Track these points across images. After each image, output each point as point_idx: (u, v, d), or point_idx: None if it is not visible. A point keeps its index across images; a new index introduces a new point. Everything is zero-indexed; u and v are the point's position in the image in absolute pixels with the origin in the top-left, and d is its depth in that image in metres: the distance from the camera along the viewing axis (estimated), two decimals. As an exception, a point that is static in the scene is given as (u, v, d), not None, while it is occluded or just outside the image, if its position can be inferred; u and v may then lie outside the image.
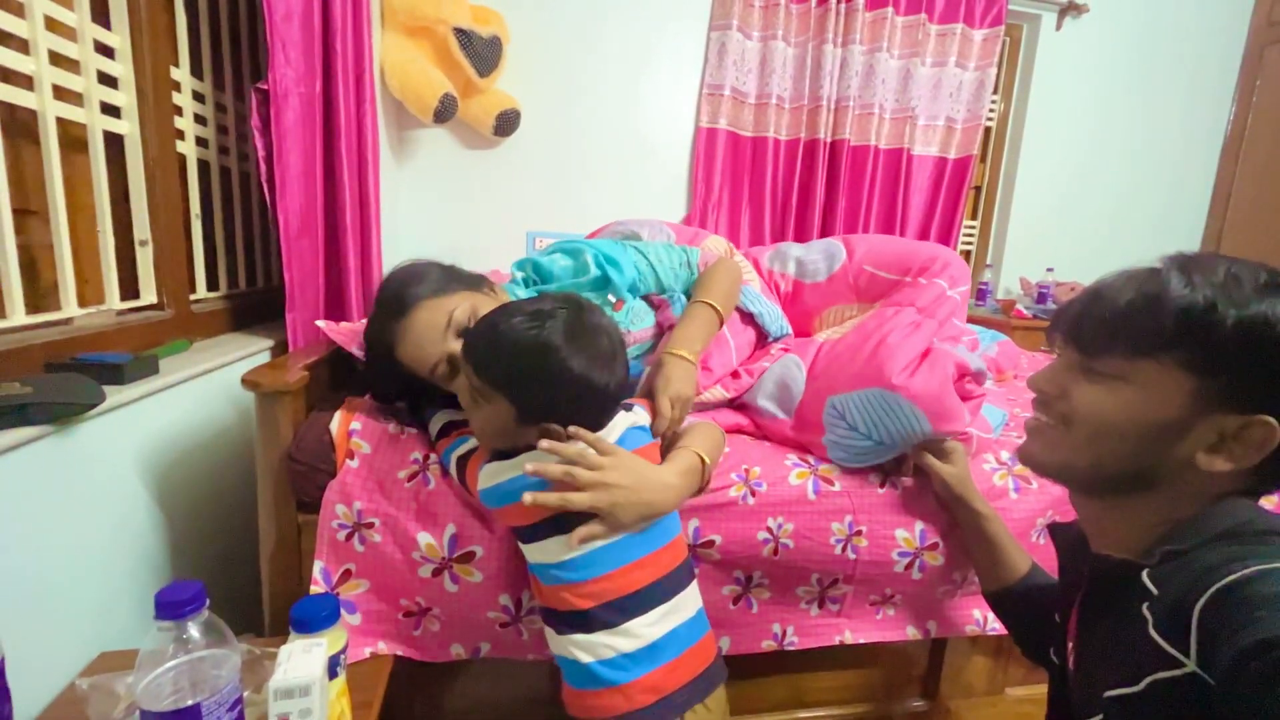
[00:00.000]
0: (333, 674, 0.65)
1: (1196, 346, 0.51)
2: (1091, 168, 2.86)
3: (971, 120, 2.62)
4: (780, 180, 2.54)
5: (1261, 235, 2.81)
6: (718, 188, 2.49)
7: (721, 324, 1.04)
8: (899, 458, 0.99)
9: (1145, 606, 0.51)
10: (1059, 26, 2.71)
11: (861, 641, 1.05)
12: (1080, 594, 0.64)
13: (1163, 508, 0.55)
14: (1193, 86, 2.87)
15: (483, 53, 2.08)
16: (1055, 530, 0.75)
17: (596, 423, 0.77)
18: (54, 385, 0.73)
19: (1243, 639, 0.42)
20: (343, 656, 0.67)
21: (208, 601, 0.53)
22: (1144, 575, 0.52)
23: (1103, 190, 2.90)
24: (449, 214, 2.33)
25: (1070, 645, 0.65)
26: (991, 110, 2.77)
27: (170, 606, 0.51)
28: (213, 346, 1.23)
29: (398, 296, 0.91)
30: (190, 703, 0.50)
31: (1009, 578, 0.88)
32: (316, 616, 0.63)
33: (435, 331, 0.88)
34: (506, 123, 2.24)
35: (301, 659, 0.57)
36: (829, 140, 2.49)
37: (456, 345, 0.88)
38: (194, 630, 0.52)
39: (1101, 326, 0.56)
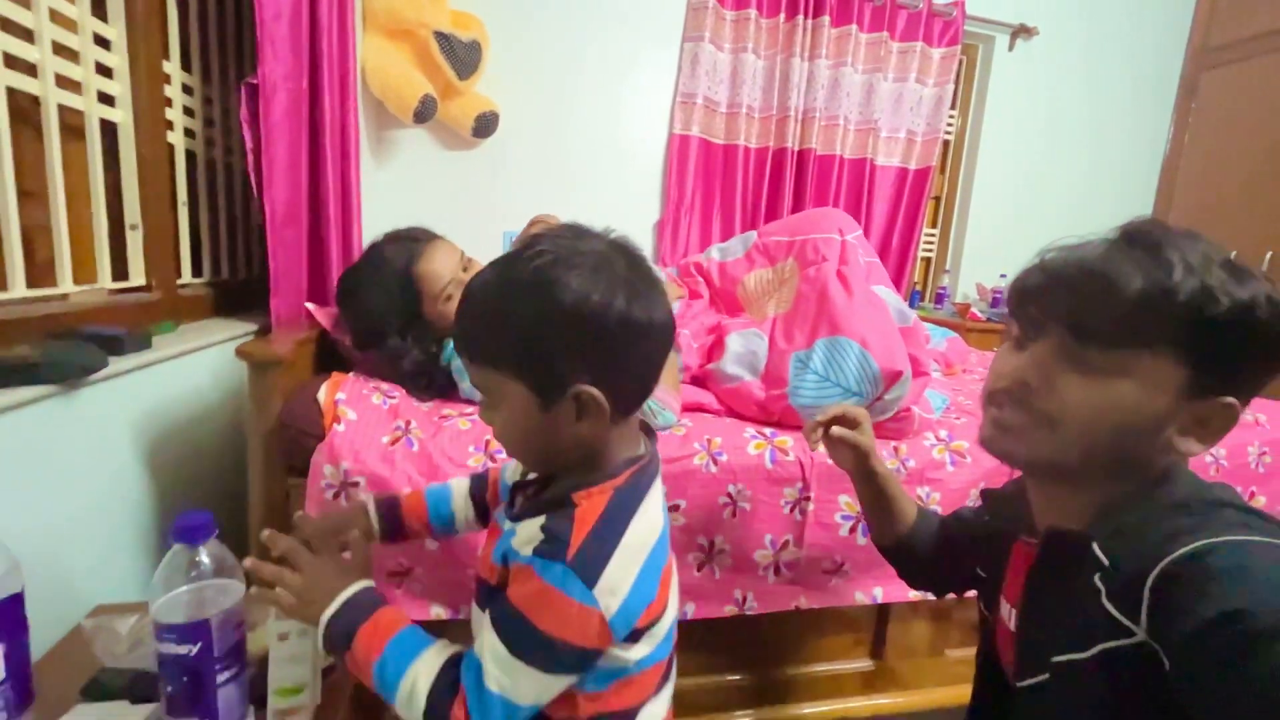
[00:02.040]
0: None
1: (1196, 336, 0.49)
2: (1043, 180, 3.03)
3: (931, 133, 2.76)
4: (750, 187, 2.64)
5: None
6: (690, 192, 2.58)
7: None
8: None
9: (1097, 577, 0.51)
10: (1011, 47, 2.87)
11: (815, 606, 1.13)
12: (1028, 564, 0.62)
13: (1111, 487, 0.55)
14: (1135, 106, 3.06)
15: (463, 56, 2.15)
16: (986, 494, 0.78)
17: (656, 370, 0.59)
18: (61, 350, 0.78)
19: (1196, 614, 0.42)
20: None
21: (217, 531, 0.59)
22: (1095, 546, 0.52)
23: (1054, 201, 3.07)
24: (427, 213, 2.32)
25: (1008, 606, 0.65)
26: (950, 124, 2.92)
27: (186, 531, 0.57)
28: (198, 329, 1.28)
29: (415, 232, 1.21)
30: (201, 618, 0.56)
31: (902, 529, 0.86)
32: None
33: (454, 257, 1.17)
34: (485, 125, 2.30)
35: (299, 587, 0.63)
36: (796, 149, 2.61)
37: (463, 275, 1.13)
38: (205, 556, 0.58)
39: (1109, 317, 0.51)
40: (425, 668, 0.53)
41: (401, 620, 0.57)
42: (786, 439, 1.08)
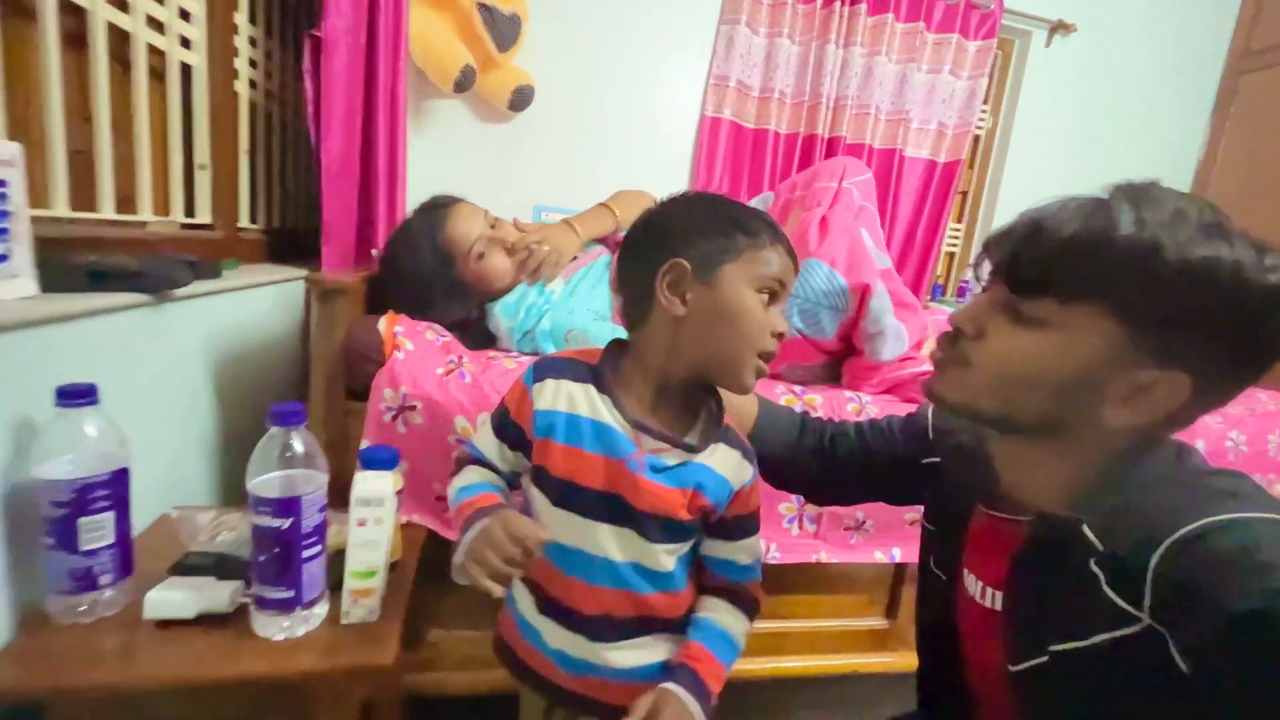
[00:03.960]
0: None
1: (1135, 292, 0.46)
2: (1073, 181, 2.92)
3: (962, 127, 2.77)
4: (778, 172, 2.67)
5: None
6: (718, 175, 2.61)
7: (615, 223, 1.40)
8: None
9: (1093, 562, 0.48)
10: (1048, 44, 2.87)
11: (835, 561, 1.18)
12: (1010, 545, 0.58)
13: (1071, 457, 0.54)
14: (1173, 108, 3.04)
15: (504, 28, 2.19)
16: (952, 454, 0.70)
17: None
18: (155, 264, 0.84)
19: (1224, 606, 0.40)
20: (401, 497, 0.78)
21: (306, 421, 0.65)
22: (1084, 528, 0.50)
23: (1081, 202, 3.06)
24: (460, 182, 2.34)
25: (979, 584, 0.62)
26: (981, 119, 2.93)
27: (282, 415, 0.63)
28: (255, 270, 1.34)
29: (439, 200, 1.27)
30: (293, 495, 0.62)
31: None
32: (382, 457, 0.74)
33: (478, 216, 1.22)
34: (521, 98, 2.34)
35: (375, 481, 0.69)
36: (826, 137, 2.63)
37: (490, 231, 1.21)
38: (296, 441, 0.64)
39: (1039, 263, 0.50)
40: (726, 617, 0.75)
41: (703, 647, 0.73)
42: (815, 397, 1.12)
